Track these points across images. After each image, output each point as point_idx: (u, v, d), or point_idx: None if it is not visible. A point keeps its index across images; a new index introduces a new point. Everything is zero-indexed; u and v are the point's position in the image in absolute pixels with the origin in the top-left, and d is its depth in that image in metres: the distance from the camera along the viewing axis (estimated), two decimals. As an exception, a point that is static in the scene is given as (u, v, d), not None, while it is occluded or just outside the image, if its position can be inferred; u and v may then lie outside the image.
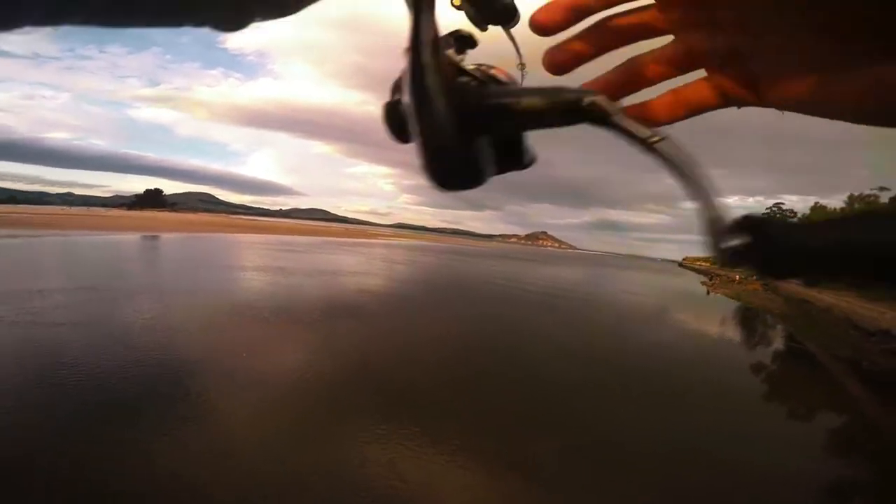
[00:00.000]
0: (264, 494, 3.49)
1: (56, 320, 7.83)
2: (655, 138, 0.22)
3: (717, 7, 0.19)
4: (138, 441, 4.14)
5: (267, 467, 3.96)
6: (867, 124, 0.19)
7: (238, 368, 6.38)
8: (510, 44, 0.30)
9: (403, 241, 71.54)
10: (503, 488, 4.16)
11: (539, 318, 13.92)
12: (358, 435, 4.72)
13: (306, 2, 0.30)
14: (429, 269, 29.78)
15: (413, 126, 0.24)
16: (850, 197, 25.89)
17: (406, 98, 0.25)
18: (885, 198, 25.63)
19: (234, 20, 0.28)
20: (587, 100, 0.22)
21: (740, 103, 0.23)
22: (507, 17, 0.28)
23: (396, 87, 0.28)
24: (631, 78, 0.25)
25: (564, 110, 0.23)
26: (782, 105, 0.21)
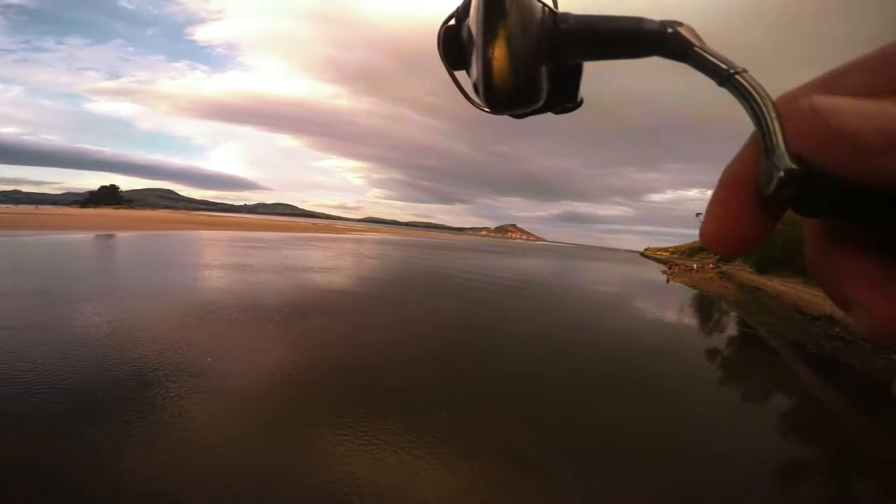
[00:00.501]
0: (239, 496, 3.52)
1: (2, 325, 8.07)
2: (735, 70, 0.22)
3: None
4: (98, 447, 4.09)
5: (242, 467, 3.92)
6: None
7: (205, 371, 6.37)
8: None
9: (374, 236, 70.61)
10: (482, 472, 4.25)
11: (509, 307, 14.10)
12: (337, 431, 4.80)
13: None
14: (400, 263, 29.53)
15: (478, 47, 0.24)
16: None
17: (473, 19, 0.24)
18: None
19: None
20: (670, 30, 0.23)
21: None
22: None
23: (459, 13, 0.28)
24: None
25: (644, 39, 0.23)
26: None
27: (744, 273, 29.46)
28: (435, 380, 6.79)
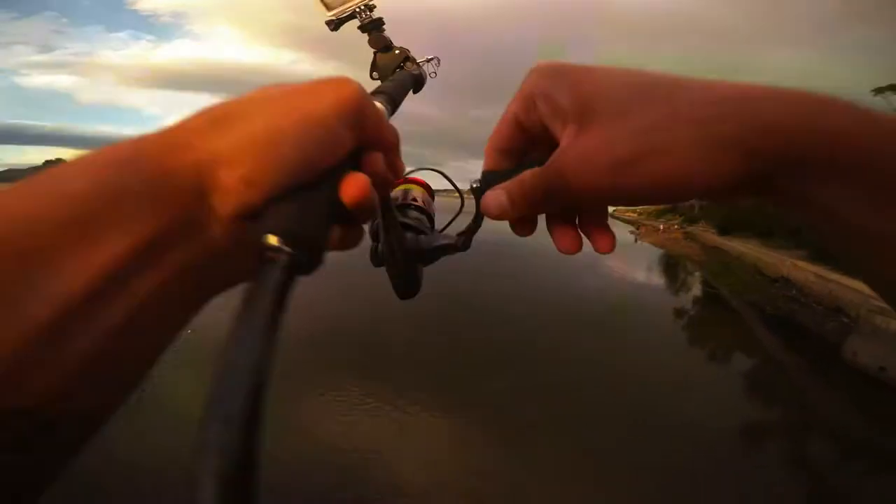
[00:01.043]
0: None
1: None
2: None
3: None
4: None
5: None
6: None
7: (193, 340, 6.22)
8: None
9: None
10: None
11: (484, 270, 14.17)
12: (340, 391, 4.94)
13: None
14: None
15: (385, 262, 0.38)
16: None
17: (380, 245, 0.38)
18: None
19: None
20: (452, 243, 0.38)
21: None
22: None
23: (374, 235, 0.39)
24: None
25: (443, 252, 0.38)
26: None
27: (707, 234, 30.51)
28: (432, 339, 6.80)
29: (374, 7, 0.50)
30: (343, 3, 0.49)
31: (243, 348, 0.15)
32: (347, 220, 0.23)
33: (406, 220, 0.38)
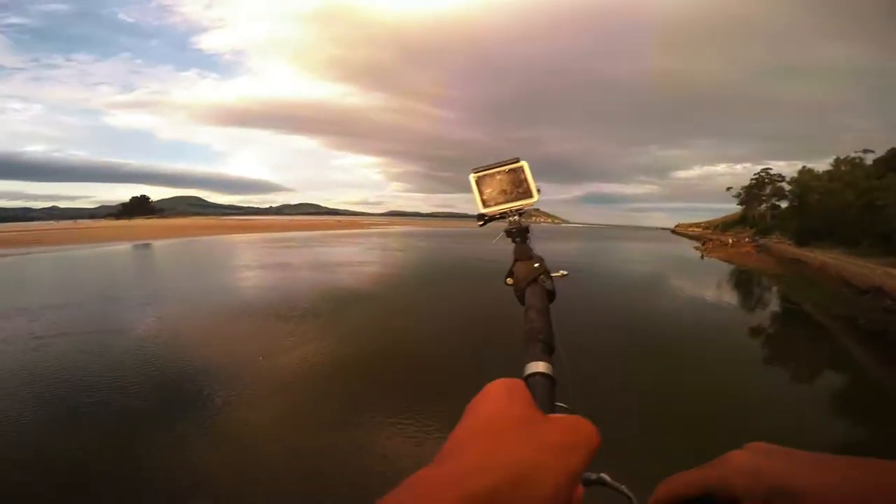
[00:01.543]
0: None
1: (79, 329, 8.80)
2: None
3: None
4: (168, 443, 4.59)
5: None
6: None
7: (271, 366, 6.61)
8: None
9: (398, 229, 71.19)
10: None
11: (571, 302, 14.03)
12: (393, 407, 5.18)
13: None
14: (426, 253, 29.73)
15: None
16: (837, 160, 26.12)
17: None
18: (869, 160, 26.02)
19: None
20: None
21: None
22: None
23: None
24: None
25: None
26: None
27: (783, 245, 28.29)
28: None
29: (524, 214, 0.55)
30: (498, 204, 0.54)
31: None
32: None
33: None
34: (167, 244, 33.86)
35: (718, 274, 22.41)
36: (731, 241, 40.27)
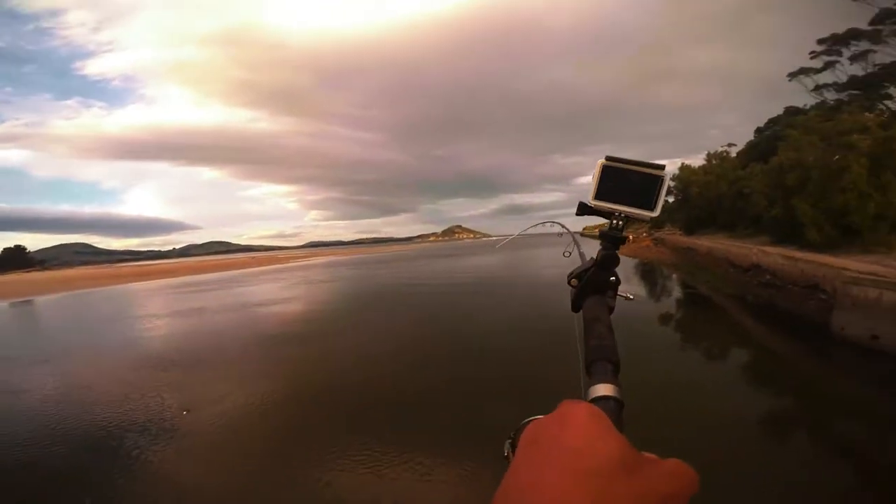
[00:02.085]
0: None
1: None
2: None
3: None
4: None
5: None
6: None
7: (196, 421, 5.61)
8: None
9: (320, 260, 68.06)
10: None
11: (469, 306, 13.83)
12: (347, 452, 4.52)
13: None
14: (355, 282, 28.55)
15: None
16: (708, 154, 29.85)
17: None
18: (734, 152, 30.15)
19: None
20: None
21: None
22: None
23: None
24: None
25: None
26: None
27: (675, 236, 31.34)
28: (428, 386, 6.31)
29: (627, 222, 0.50)
30: (612, 202, 0.49)
31: None
32: None
33: None
34: (53, 299, 28.90)
35: (624, 269, 24.00)
36: (631, 237, 43.99)
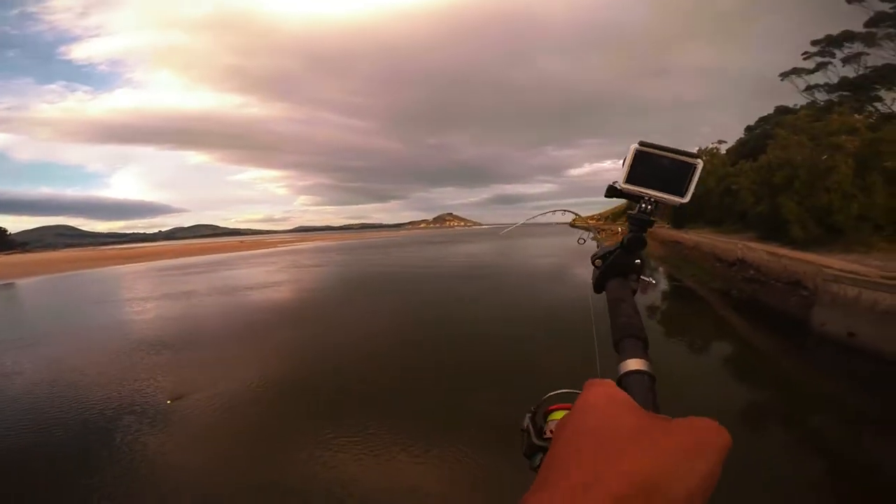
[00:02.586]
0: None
1: None
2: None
3: None
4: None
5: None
6: None
7: (182, 410, 5.62)
8: None
9: (308, 245, 67.47)
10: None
11: (464, 292, 13.93)
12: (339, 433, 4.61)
13: None
14: (344, 268, 28.43)
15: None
16: (698, 150, 30.07)
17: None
18: (723, 149, 30.61)
19: None
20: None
21: None
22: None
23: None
24: None
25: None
26: None
27: (663, 230, 31.71)
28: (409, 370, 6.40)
29: (655, 208, 0.50)
30: (643, 187, 0.49)
31: None
32: None
33: None
34: (35, 282, 28.33)
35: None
36: (620, 229, 44.57)
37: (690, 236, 23.05)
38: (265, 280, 21.28)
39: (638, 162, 0.49)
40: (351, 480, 4.05)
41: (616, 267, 0.53)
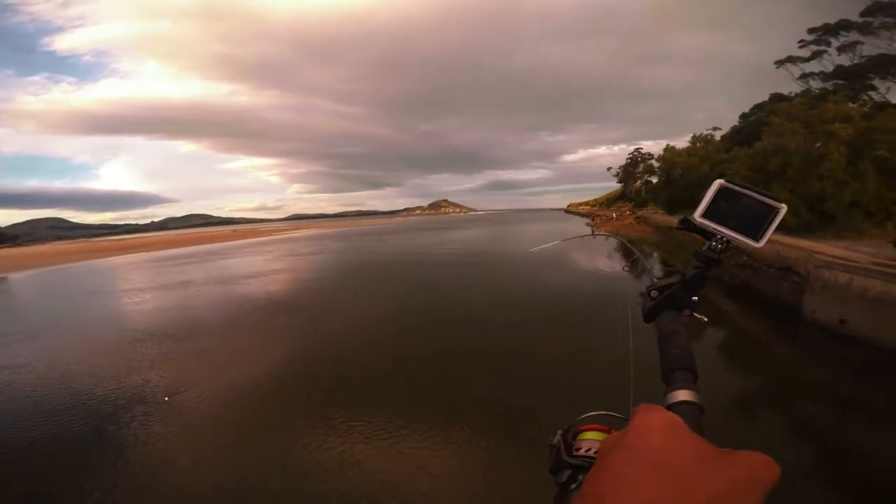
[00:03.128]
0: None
1: None
2: None
3: None
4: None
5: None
6: None
7: (182, 405, 5.58)
8: None
9: (303, 233, 66.99)
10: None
11: (459, 278, 13.99)
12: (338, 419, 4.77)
13: None
14: (341, 255, 28.35)
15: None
16: (693, 137, 30.15)
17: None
18: (718, 136, 30.58)
19: None
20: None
21: None
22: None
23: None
24: None
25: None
26: None
27: (657, 215, 31.87)
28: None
29: (726, 248, 0.50)
30: (719, 224, 0.49)
31: None
32: None
33: None
34: (29, 276, 28.00)
35: (608, 246, 24.63)
36: (615, 215, 44.70)
37: (684, 222, 23.24)
38: (262, 269, 21.19)
39: (719, 198, 0.48)
40: (356, 462, 4.15)
41: (673, 301, 0.53)
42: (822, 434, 4.54)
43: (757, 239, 0.47)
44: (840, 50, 22.77)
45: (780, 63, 26.36)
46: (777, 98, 26.77)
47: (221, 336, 8.96)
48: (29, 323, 11.90)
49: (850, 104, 15.45)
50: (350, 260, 24.76)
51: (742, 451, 0.26)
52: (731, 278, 11.74)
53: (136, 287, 18.46)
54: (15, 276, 28.26)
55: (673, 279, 0.54)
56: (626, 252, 21.70)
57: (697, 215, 0.49)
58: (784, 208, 0.46)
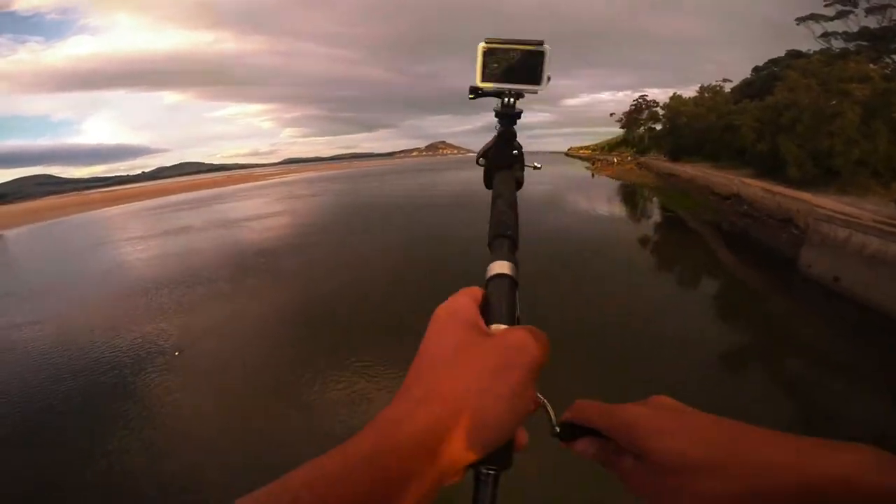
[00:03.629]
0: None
1: None
2: None
3: None
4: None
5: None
6: None
7: (195, 355, 6.03)
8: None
9: (298, 176, 65.73)
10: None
11: (456, 217, 14.12)
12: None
13: None
14: (340, 196, 28.13)
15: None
16: (701, 87, 28.84)
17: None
18: (728, 88, 29.18)
19: None
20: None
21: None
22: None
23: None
24: None
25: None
26: None
27: (659, 162, 31.39)
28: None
29: (520, 99, 0.51)
30: (498, 82, 0.49)
31: None
32: None
33: None
34: (24, 232, 27.65)
35: (608, 189, 24.58)
36: (616, 160, 44.01)
37: (686, 169, 22.95)
38: (259, 212, 21.15)
39: (489, 59, 0.49)
40: (366, 398, 4.49)
41: (501, 160, 0.54)
42: (804, 390, 4.72)
43: (538, 83, 0.49)
44: (868, 11, 21.36)
45: (801, 20, 24.78)
46: (794, 54, 25.47)
47: (230, 280, 9.27)
48: (36, 279, 11.97)
49: (871, 65, 14.85)
50: (346, 202, 24.54)
51: (506, 331, 0.29)
52: (730, 226, 11.91)
53: (137, 236, 18.45)
54: (11, 234, 27.91)
55: (489, 141, 0.55)
56: (625, 195, 21.72)
57: (478, 81, 0.50)
58: (549, 49, 0.48)
